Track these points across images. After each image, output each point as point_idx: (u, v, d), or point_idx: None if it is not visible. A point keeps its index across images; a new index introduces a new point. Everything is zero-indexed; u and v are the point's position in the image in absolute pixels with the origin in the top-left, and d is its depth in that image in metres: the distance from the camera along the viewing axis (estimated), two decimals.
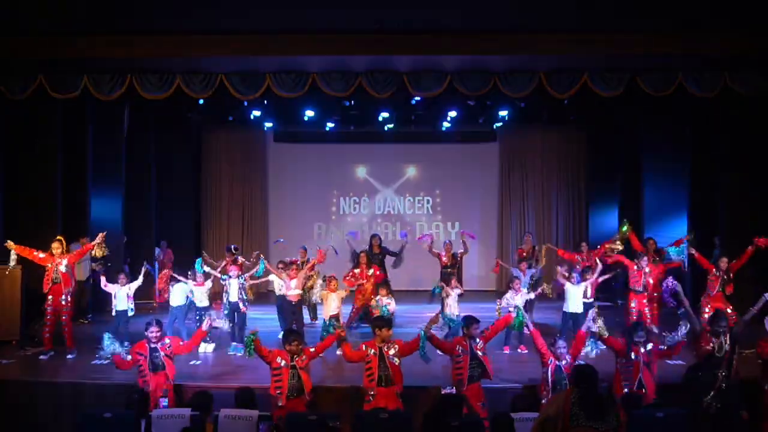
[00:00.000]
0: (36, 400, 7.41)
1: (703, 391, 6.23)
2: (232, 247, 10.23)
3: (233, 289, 8.96)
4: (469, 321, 6.85)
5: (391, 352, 6.39)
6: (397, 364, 6.39)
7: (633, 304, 9.01)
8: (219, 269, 9.30)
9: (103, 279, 9.02)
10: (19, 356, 8.63)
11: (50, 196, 10.34)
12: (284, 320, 9.39)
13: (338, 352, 8.64)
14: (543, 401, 6.38)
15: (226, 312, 8.86)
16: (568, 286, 9.03)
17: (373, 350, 6.37)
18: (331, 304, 8.86)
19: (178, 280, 9.19)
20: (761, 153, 10.13)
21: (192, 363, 8.40)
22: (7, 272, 9.18)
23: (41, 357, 8.57)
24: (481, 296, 12.05)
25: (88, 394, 7.37)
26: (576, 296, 8.97)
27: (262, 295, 12.35)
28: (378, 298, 8.86)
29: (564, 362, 6.55)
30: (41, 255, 8.60)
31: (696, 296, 10.26)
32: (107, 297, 9.60)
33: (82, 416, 5.88)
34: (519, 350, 8.99)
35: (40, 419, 7.34)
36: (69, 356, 8.58)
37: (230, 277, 9.02)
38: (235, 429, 5.56)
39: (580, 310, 8.89)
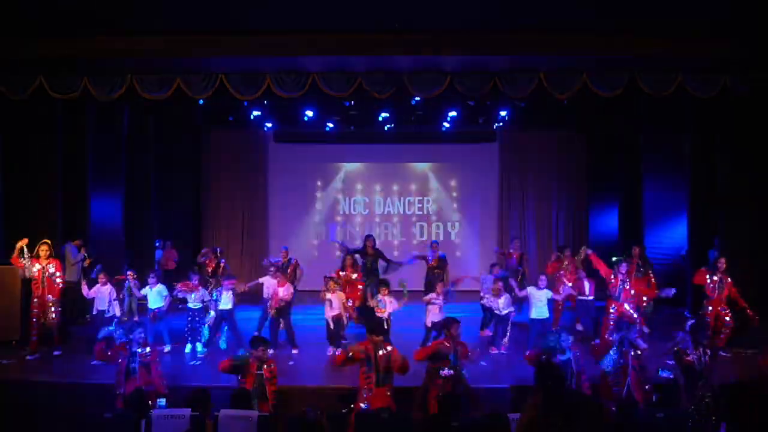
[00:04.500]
0: (36, 400, 7.41)
1: (688, 400, 6.24)
2: (218, 250, 11.31)
3: (225, 299, 9.05)
4: (450, 322, 6.85)
5: (383, 354, 6.35)
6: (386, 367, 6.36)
7: (612, 310, 8.87)
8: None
9: (85, 287, 9.18)
10: (19, 356, 8.63)
11: (50, 196, 10.33)
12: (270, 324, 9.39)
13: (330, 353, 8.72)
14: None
15: (210, 321, 9.11)
16: (532, 291, 8.93)
17: (368, 351, 6.35)
18: (332, 304, 8.93)
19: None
20: (761, 153, 10.12)
21: (191, 363, 8.42)
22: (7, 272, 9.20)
23: (28, 357, 8.59)
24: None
25: (87, 394, 7.37)
26: (540, 302, 8.86)
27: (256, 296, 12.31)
28: (380, 297, 8.83)
29: (566, 356, 6.54)
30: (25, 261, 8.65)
31: (696, 300, 10.27)
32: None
33: (82, 416, 5.89)
34: (502, 351, 8.99)
35: (40, 419, 7.33)
36: (55, 353, 8.65)
37: (224, 288, 9.15)
38: (235, 429, 5.57)
39: (545, 315, 8.88)
